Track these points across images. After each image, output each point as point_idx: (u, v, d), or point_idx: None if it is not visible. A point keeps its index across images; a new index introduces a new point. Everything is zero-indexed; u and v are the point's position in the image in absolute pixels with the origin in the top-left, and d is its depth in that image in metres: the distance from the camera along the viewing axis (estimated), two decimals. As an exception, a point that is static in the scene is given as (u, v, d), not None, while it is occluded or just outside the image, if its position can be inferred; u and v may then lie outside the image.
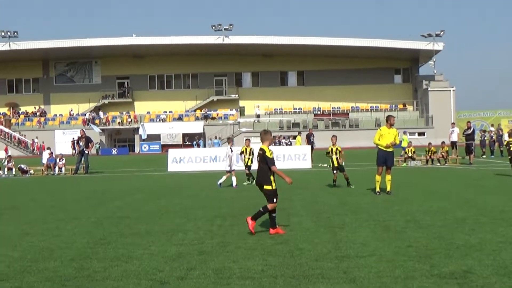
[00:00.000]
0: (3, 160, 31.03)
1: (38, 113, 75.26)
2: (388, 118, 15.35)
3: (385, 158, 15.09)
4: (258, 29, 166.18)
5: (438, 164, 28.58)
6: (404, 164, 28.57)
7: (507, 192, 15.08)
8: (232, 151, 19.07)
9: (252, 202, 13.70)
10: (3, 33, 70.33)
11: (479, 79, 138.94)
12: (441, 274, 6.58)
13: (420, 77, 74.78)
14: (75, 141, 43.31)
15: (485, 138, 37.13)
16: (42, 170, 30.14)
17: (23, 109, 76.74)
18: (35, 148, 65.52)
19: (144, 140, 67.98)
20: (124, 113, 73.86)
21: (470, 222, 10.15)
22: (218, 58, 74.63)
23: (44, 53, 73.61)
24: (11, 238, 9.66)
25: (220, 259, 7.62)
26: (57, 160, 30.24)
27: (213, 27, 70.19)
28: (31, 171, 29.82)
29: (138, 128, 69.39)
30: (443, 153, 29.07)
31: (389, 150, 15.08)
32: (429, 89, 69.68)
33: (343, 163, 17.86)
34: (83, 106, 76.05)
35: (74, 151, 49.54)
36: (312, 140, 34.75)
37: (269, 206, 9.42)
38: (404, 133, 36.13)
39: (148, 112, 74.19)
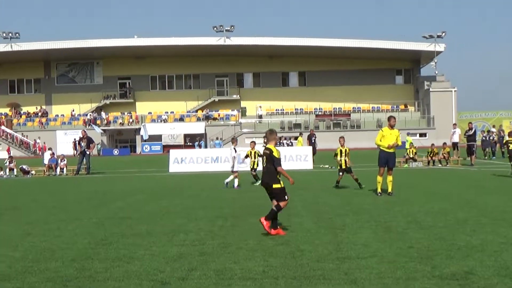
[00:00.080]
0: (5, 161, 31.06)
1: (39, 114, 75.25)
2: (388, 119, 15.36)
3: (386, 159, 15.08)
4: (260, 30, 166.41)
5: (440, 165, 28.55)
6: (406, 165, 28.55)
7: (508, 193, 15.07)
8: (236, 151, 18.94)
9: (253, 203, 13.70)
10: (4, 34, 70.42)
11: (480, 79, 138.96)
12: (442, 275, 6.57)
13: (422, 78, 74.71)
14: (77, 142, 43.46)
15: (490, 138, 36.42)
16: (44, 170, 30.14)
17: (24, 109, 76.74)
18: (37, 149, 65.54)
19: (145, 140, 67.86)
20: (126, 113, 73.85)
21: (471, 223, 10.14)
22: (219, 59, 74.56)
23: (46, 54, 73.65)
24: (13, 239, 9.66)
25: (221, 260, 7.62)
26: (59, 161, 30.25)
27: (215, 28, 70.13)
28: (33, 172, 29.83)
29: (139, 129, 69.32)
30: (444, 154, 29.02)
31: (390, 151, 15.07)
32: (430, 90, 69.64)
33: (351, 165, 17.81)
34: (85, 107, 76.05)
35: (75, 152, 49.72)
36: (314, 141, 33.93)
37: (282, 204, 9.43)
38: (408, 134, 36.13)
39: (150, 113, 74.15)
